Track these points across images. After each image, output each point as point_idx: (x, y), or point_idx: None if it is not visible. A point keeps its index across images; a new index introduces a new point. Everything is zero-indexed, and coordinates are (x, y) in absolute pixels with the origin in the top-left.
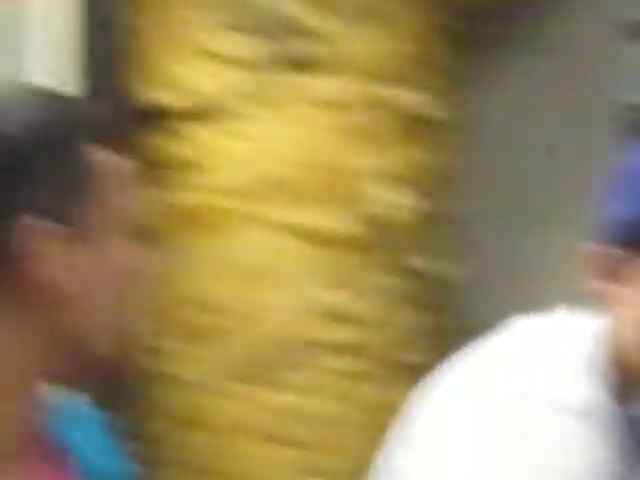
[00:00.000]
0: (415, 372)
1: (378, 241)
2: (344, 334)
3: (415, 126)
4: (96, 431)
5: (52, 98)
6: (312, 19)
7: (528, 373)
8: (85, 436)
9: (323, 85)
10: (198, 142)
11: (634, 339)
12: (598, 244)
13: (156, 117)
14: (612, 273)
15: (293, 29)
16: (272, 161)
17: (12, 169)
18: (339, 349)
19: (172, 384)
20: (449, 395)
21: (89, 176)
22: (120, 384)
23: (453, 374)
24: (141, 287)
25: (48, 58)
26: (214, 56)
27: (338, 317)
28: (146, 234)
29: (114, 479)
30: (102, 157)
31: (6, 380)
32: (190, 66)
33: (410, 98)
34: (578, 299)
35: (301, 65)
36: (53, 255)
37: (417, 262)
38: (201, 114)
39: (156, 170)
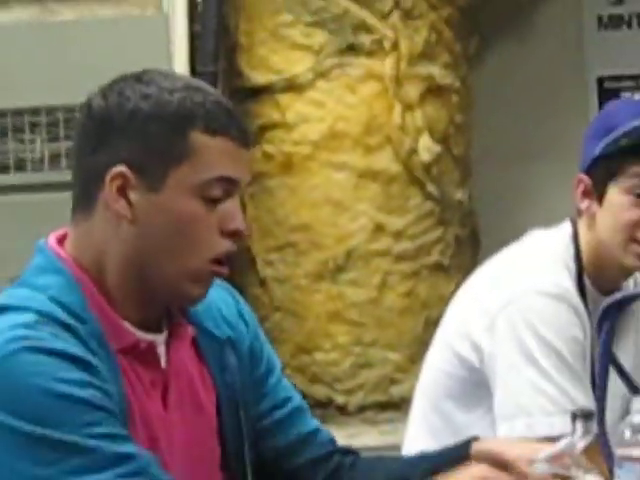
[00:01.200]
0: (439, 270)
1: (408, 175)
2: (387, 243)
3: (436, 92)
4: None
5: (184, 84)
6: (368, 18)
7: (531, 271)
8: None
9: (373, 65)
10: (287, 108)
11: (607, 236)
12: (580, 174)
13: (259, 92)
14: (586, 194)
15: (354, 25)
16: (337, 120)
17: (122, 128)
18: (384, 254)
19: (275, 284)
20: (500, 272)
21: (183, 151)
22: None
23: (484, 271)
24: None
25: (184, 52)
26: (297, 47)
27: (389, 232)
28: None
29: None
30: (199, 140)
31: (116, 277)
32: (282, 55)
33: (434, 72)
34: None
35: (357, 51)
36: (130, 194)
37: (435, 190)
38: (289, 88)
39: (260, 130)
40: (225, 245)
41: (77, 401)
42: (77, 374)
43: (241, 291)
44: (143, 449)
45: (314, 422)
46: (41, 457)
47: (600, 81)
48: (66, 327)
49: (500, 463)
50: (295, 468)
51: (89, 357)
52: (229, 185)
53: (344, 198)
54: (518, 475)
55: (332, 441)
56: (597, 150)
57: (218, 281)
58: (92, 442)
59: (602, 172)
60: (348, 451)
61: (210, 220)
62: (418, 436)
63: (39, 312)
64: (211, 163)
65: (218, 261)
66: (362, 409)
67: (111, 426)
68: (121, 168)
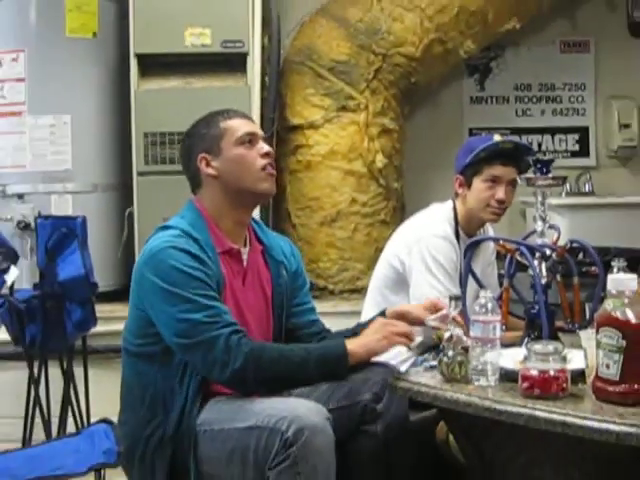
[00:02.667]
0: (383, 223)
1: (370, 174)
2: (358, 208)
3: (386, 132)
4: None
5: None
6: (352, 93)
7: (430, 222)
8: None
9: (354, 117)
10: (309, 137)
11: (470, 205)
12: (457, 175)
13: (295, 128)
14: (461, 185)
15: (345, 96)
16: (334, 144)
17: (192, 135)
18: (356, 214)
19: (299, 227)
20: (414, 223)
21: (221, 131)
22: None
23: (406, 224)
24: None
25: (258, 106)
26: (315, 106)
27: (359, 203)
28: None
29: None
30: (225, 124)
31: (220, 207)
32: (307, 110)
33: (385, 122)
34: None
35: (346, 109)
36: (211, 163)
37: (391, 182)
38: (310, 127)
39: (291, 149)
40: (264, 160)
41: (190, 275)
42: (193, 263)
43: (282, 231)
44: (226, 306)
45: (317, 317)
46: (169, 302)
47: (470, 130)
48: (193, 239)
49: (403, 316)
50: (303, 335)
51: (202, 255)
52: (251, 135)
53: (336, 184)
54: (412, 321)
55: (323, 326)
56: (467, 160)
57: (283, 237)
58: (195, 297)
59: (470, 172)
60: (328, 331)
61: (252, 152)
62: (369, 307)
63: (182, 230)
64: (234, 130)
65: (264, 168)
66: (341, 292)
67: (206, 291)
68: (202, 154)
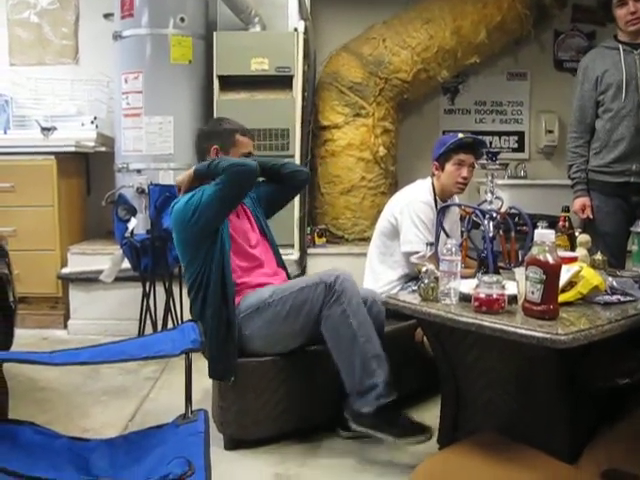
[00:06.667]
0: (384, 194)
1: (375, 160)
2: (366, 183)
3: (386, 132)
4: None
5: (235, 123)
6: (364, 104)
7: (416, 192)
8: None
9: (364, 121)
10: (334, 134)
11: (443, 182)
12: (434, 161)
13: (325, 127)
14: (437, 168)
15: (358, 106)
16: (351, 139)
17: (207, 135)
18: (365, 187)
19: (326, 195)
20: (404, 193)
21: (234, 141)
22: None
23: (398, 194)
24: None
25: (300, 113)
26: (338, 112)
27: (367, 179)
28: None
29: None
30: (239, 138)
31: None
32: (333, 115)
33: (386, 124)
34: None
35: (359, 116)
36: (217, 154)
37: (389, 166)
38: (334, 127)
39: (321, 142)
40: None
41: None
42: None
43: (314, 198)
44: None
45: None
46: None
47: (444, 131)
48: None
49: None
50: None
51: None
52: (250, 154)
53: (351, 166)
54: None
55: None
56: (441, 150)
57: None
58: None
59: (443, 159)
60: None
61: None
62: (372, 249)
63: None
64: (243, 146)
65: (246, 156)
66: (354, 240)
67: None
68: (216, 146)
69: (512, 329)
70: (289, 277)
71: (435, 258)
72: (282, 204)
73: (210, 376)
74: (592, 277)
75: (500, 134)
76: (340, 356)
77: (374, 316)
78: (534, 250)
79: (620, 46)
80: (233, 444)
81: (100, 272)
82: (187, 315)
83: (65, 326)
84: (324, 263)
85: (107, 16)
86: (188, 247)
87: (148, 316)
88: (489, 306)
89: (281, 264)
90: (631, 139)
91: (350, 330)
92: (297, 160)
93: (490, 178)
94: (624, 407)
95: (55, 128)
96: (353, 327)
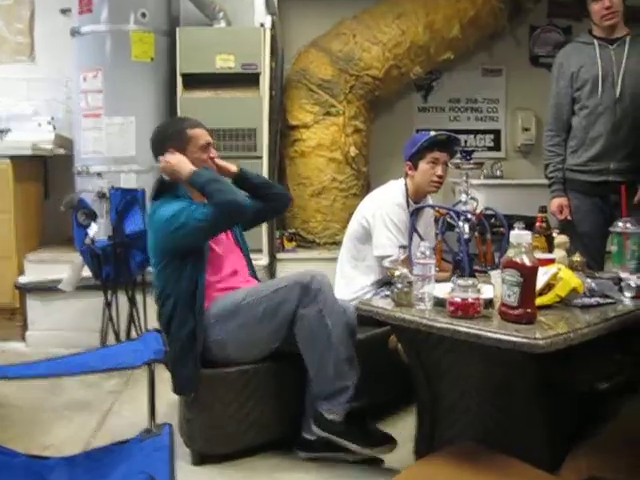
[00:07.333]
0: (355, 196)
1: (346, 161)
2: (337, 185)
3: (358, 131)
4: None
5: (188, 119)
6: (334, 102)
7: (388, 194)
8: None
9: (335, 120)
10: (303, 134)
11: (417, 182)
12: (406, 162)
13: (294, 127)
14: (410, 168)
15: (328, 104)
16: (320, 139)
17: (165, 133)
18: (335, 189)
19: (296, 198)
20: (376, 195)
21: (186, 138)
22: None
23: (370, 196)
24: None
25: (267, 111)
26: (307, 111)
27: (337, 181)
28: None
29: None
30: (190, 132)
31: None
32: (301, 114)
33: (357, 123)
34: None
35: (329, 115)
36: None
37: (360, 167)
38: (303, 127)
39: (290, 142)
40: (208, 157)
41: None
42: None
43: None
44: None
45: None
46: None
47: (417, 130)
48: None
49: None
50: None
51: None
52: (208, 144)
53: (322, 167)
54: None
55: None
56: (414, 149)
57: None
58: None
59: (416, 158)
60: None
61: (203, 155)
62: (343, 254)
63: (182, 197)
64: (198, 138)
65: (206, 146)
66: (325, 244)
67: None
68: (171, 148)
69: (488, 334)
70: None
71: (408, 262)
72: (259, 223)
73: (172, 390)
74: (570, 279)
75: (475, 132)
76: (313, 356)
77: (346, 322)
78: (510, 252)
79: (595, 41)
80: (200, 459)
81: (59, 281)
82: (152, 325)
83: (23, 338)
84: (294, 268)
85: (64, 12)
86: (164, 253)
87: (110, 327)
88: (465, 310)
89: (252, 274)
90: (608, 136)
91: (325, 330)
92: (265, 161)
93: (465, 178)
94: (605, 412)
95: (10, 130)
96: (328, 327)
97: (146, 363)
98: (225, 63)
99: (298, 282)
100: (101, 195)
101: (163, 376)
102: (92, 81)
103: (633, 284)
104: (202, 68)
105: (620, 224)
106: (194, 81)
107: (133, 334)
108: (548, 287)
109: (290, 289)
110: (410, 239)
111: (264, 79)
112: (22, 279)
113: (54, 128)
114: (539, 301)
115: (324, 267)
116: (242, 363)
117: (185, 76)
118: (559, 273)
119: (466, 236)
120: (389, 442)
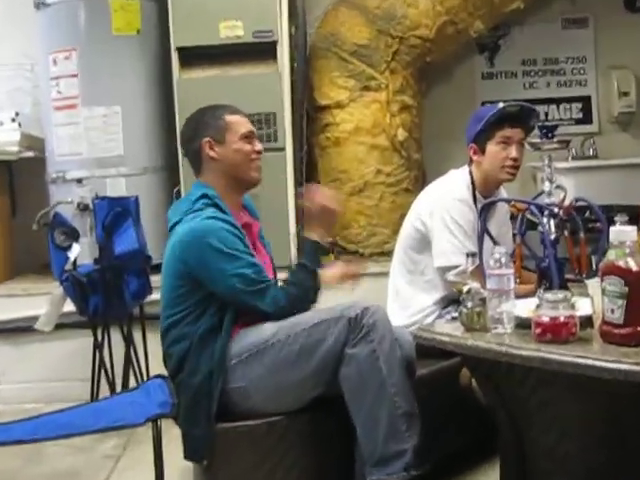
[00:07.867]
0: (406, 191)
1: (392, 147)
2: (383, 179)
3: (406, 108)
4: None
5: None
6: (374, 73)
7: (448, 187)
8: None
9: (375, 96)
10: (336, 116)
11: (486, 169)
12: (470, 144)
13: (323, 108)
14: (475, 152)
15: (367, 77)
16: (359, 121)
17: (199, 121)
18: (381, 184)
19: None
20: (434, 189)
21: (224, 125)
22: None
23: (427, 190)
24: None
25: (288, 89)
26: (341, 87)
27: (384, 173)
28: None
29: None
30: (229, 118)
31: (222, 189)
32: (333, 91)
33: (405, 99)
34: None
35: (368, 89)
36: (214, 148)
37: (412, 154)
38: (336, 106)
39: (320, 127)
40: (257, 156)
41: (236, 238)
42: (235, 231)
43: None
44: (255, 258)
45: None
46: (223, 260)
47: (483, 103)
48: (225, 218)
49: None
50: None
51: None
52: (251, 133)
53: (363, 157)
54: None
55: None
56: (478, 127)
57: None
58: (242, 255)
59: (483, 138)
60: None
61: (249, 148)
62: (395, 267)
63: (214, 210)
64: (237, 126)
65: (256, 161)
66: (371, 255)
67: (248, 250)
68: (207, 139)
69: (588, 362)
70: None
71: (480, 273)
72: None
73: (183, 453)
74: None
75: (558, 101)
76: (361, 409)
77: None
78: (611, 254)
79: None
80: None
81: (35, 319)
82: (154, 369)
83: None
84: (334, 291)
85: None
86: (187, 280)
87: (103, 374)
88: (555, 333)
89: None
90: None
91: (379, 376)
92: (289, 154)
93: (547, 162)
94: None
95: None
96: (383, 372)
97: (150, 419)
98: (232, 32)
99: (344, 315)
100: (83, 207)
101: (172, 433)
102: (64, 63)
103: None
104: (203, 40)
105: None
106: (193, 57)
107: (132, 382)
108: None
109: (333, 323)
110: (480, 244)
111: (282, 49)
112: None
113: (19, 126)
114: None
115: (371, 285)
116: (271, 414)
117: (182, 51)
118: None
119: (553, 236)
120: None
